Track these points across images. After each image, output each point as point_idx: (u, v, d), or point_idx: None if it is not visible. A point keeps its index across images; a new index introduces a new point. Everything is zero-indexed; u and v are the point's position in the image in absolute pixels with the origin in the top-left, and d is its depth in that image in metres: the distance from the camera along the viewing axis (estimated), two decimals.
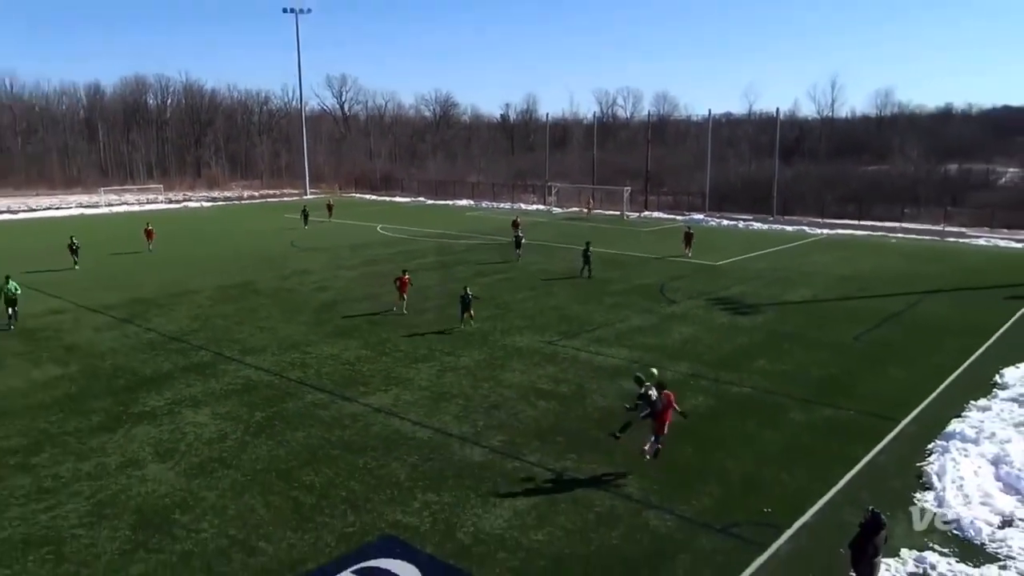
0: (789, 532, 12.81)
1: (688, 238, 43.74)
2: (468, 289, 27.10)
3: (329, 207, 64.54)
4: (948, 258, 44.05)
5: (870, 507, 10.73)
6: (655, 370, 16.88)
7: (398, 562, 12.04)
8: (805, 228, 57.33)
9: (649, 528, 13.07)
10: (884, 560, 11.09)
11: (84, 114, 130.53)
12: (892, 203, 64.34)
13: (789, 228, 57.69)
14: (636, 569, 11.81)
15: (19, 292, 27.73)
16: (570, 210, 72.04)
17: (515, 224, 49.65)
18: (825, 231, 56.10)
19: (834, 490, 14.38)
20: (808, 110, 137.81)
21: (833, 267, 40.08)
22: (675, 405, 15.27)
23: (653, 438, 15.15)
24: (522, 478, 15.05)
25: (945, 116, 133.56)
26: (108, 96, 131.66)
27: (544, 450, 16.37)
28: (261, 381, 21.33)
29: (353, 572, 11.79)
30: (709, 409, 18.87)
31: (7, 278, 27.46)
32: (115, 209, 78.89)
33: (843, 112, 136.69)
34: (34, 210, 76.58)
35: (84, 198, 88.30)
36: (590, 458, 15.92)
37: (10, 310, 27.28)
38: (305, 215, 59.05)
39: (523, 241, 43.42)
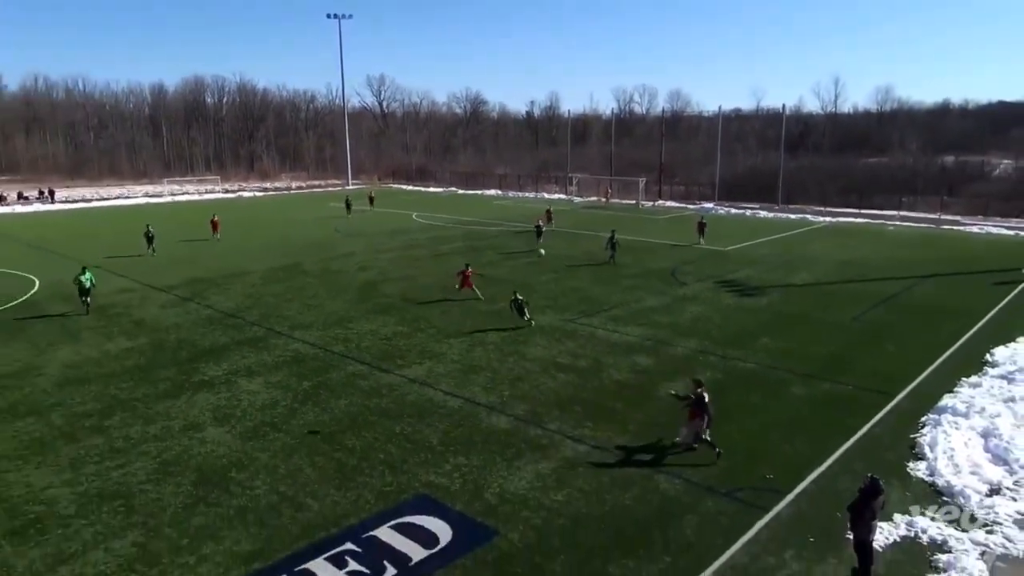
0: (789, 497, 12.73)
1: (701, 227, 42.53)
2: (517, 294, 24.44)
3: (371, 198, 64.59)
4: (943, 245, 43.10)
5: (869, 474, 10.63)
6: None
7: (431, 518, 12.16)
8: (808, 216, 56.36)
9: (659, 491, 13.06)
10: (880, 524, 10.99)
11: (149, 112, 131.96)
12: (891, 193, 63.00)
13: (793, 216, 56.75)
14: (647, 528, 11.82)
15: (93, 284, 27.06)
16: (589, 199, 71.54)
17: (548, 215, 48.67)
18: (827, 219, 55.11)
19: (832, 459, 14.23)
20: (812, 106, 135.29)
21: (834, 253, 39.41)
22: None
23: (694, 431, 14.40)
24: (543, 444, 15.08)
25: (943, 111, 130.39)
26: (170, 95, 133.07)
27: (563, 419, 16.38)
28: (308, 354, 21.54)
29: (391, 527, 11.93)
30: (716, 383, 18.66)
31: (83, 269, 27.22)
32: (177, 198, 79.80)
33: (846, 108, 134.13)
34: (105, 199, 77.82)
35: (150, 188, 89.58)
36: (606, 426, 15.90)
37: (85, 299, 26.63)
38: (348, 204, 59.27)
39: (543, 230, 41.43)
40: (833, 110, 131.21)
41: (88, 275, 26.83)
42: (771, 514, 12.14)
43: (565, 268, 34.76)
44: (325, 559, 11.04)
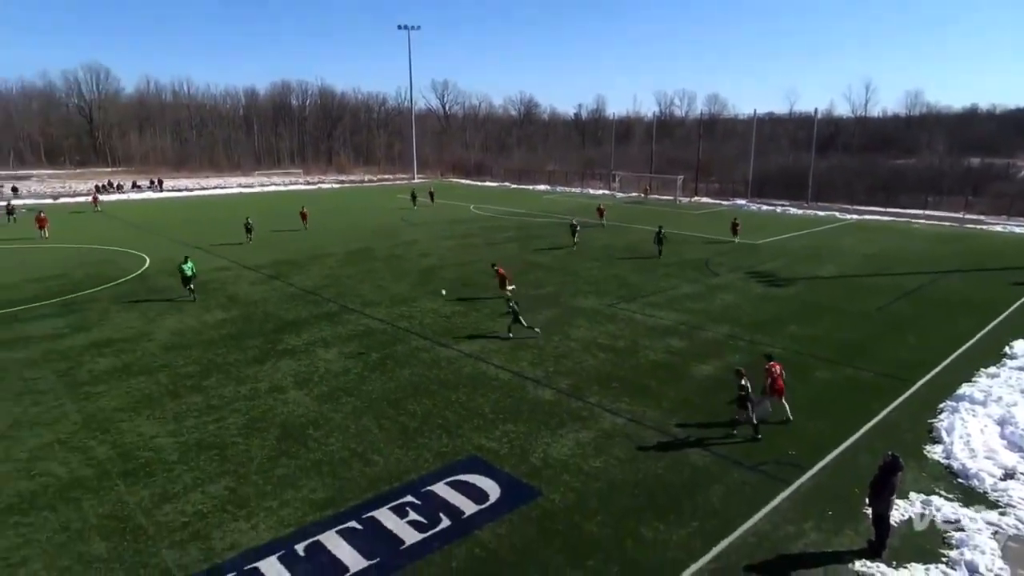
0: (811, 472, 12.43)
1: (735, 227, 39.89)
2: (512, 302, 20.92)
3: (431, 194, 63.64)
4: (967, 242, 41.03)
5: (890, 451, 10.30)
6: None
7: (482, 477, 12.30)
8: (836, 213, 54.34)
9: (689, 462, 12.90)
10: (896, 500, 10.65)
11: (243, 112, 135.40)
12: (917, 193, 60.13)
13: (822, 213, 54.78)
14: (677, 495, 11.72)
15: (195, 272, 26.02)
16: (631, 195, 70.48)
17: (600, 212, 47.15)
18: (854, 216, 53.01)
19: (852, 439, 13.82)
20: (843, 109, 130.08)
21: (860, 247, 37.96)
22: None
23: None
24: (584, 416, 15.05)
25: (970, 115, 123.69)
26: (261, 97, 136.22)
27: (602, 393, 16.30)
28: (376, 328, 21.92)
29: (446, 483, 12.11)
30: (745, 365, 18.19)
31: (185, 258, 26.39)
32: (265, 189, 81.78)
33: (875, 111, 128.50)
34: (205, 188, 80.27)
35: (242, 179, 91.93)
36: (641, 402, 15.76)
37: (190, 286, 25.66)
38: (414, 197, 59.56)
39: (578, 229, 37.55)
40: (863, 113, 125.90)
41: (190, 264, 25.93)
42: (793, 487, 11.89)
43: (607, 258, 34.41)
44: (389, 509, 11.29)
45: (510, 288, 24.38)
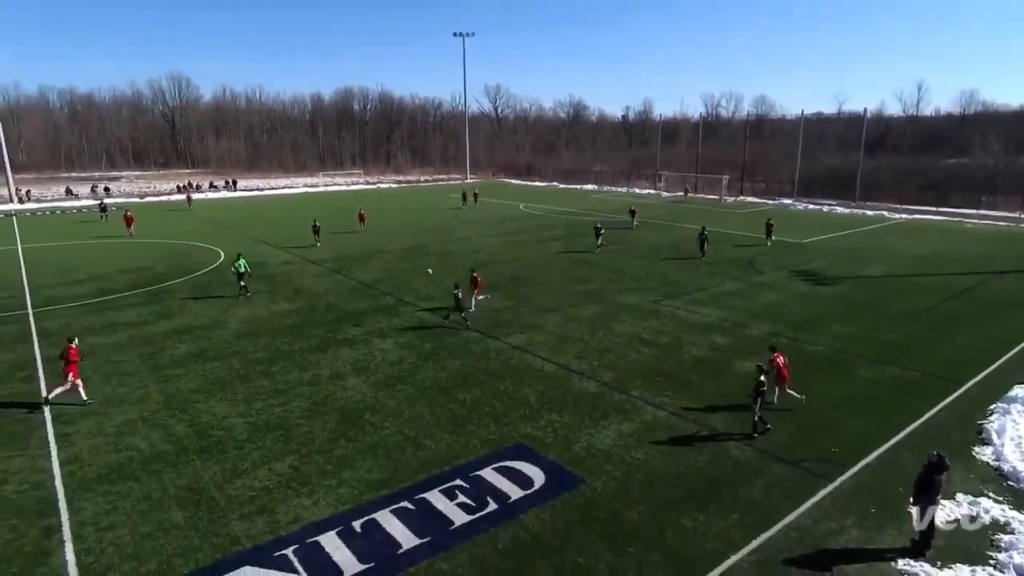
0: (854, 469, 11.99)
1: (769, 228, 37.28)
2: (457, 286, 21.18)
3: (475, 195, 61.08)
4: (1021, 242, 38.76)
5: (935, 451, 9.84)
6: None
7: (527, 464, 12.34)
8: (884, 213, 52.08)
9: (730, 456, 12.64)
10: (942, 500, 10.18)
11: (309, 117, 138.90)
12: (970, 192, 56.97)
13: (870, 212, 52.59)
14: (718, 487, 11.49)
15: (248, 270, 25.80)
16: (675, 194, 69.25)
17: (632, 213, 45.82)
18: (903, 216, 50.71)
19: (896, 438, 13.26)
20: (894, 109, 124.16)
21: (909, 248, 36.31)
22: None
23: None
24: (627, 408, 14.91)
25: None
26: (326, 103, 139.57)
27: (645, 387, 16.10)
28: (430, 321, 22.20)
29: (493, 468, 12.20)
30: (787, 363, 17.76)
31: (238, 255, 26.38)
32: (329, 188, 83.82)
33: (928, 111, 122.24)
34: (274, 188, 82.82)
35: (308, 180, 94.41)
36: (683, 396, 15.51)
37: (242, 283, 25.51)
38: (464, 196, 59.64)
39: (602, 232, 35.62)
40: (915, 113, 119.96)
41: (242, 261, 25.77)
42: (835, 483, 11.49)
43: (652, 255, 33.92)
44: (439, 491, 11.45)
45: (481, 297, 23.93)
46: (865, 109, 62.88)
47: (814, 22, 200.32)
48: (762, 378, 13.39)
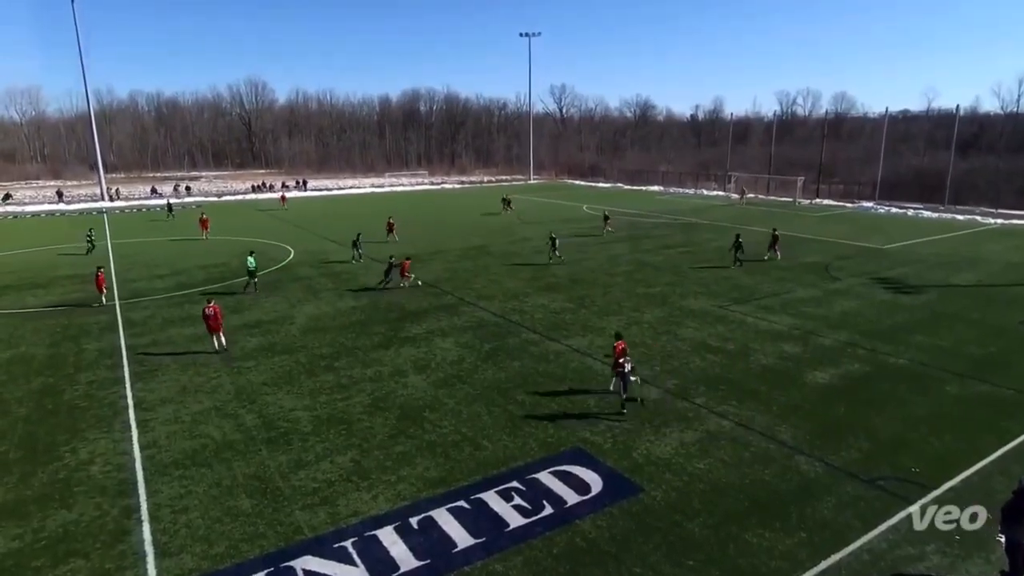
0: (936, 492, 11.27)
1: (774, 240, 32.86)
2: (391, 259, 23.17)
3: (507, 200, 56.15)
4: None
5: None
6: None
7: (584, 469, 12.24)
8: (977, 217, 48.74)
9: (799, 471, 12.13)
10: None
11: (377, 118, 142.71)
12: None
13: (960, 217, 49.35)
14: (785, 503, 11.06)
15: (256, 267, 26.88)
16: (747, 196, 67.17)
17: (605, 218, 42.60)
18: (999, 221, 47.33)
19: (986, 460, 12.37)
20: (991, 106, 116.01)
21: (1004, 255, 33.86)
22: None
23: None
24: (689, 416, 14.56)
25: None
26: (393, 104, 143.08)
27: (709, 395, 15.68)
28: (490, 321, 22.38)
29: (550, 472, 12.17)
30: (864, 375, 16.94)
31: (250, 252, 27.49)
32: (395, 188, 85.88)
33: None
34: (342, 188, 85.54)
35: (375, 180, 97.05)
36: (749, 405, 15.01)
37: (252, 280, 26.55)
38: (505, 202, 55.55)
39: (557, 242, 32.86)
40: (1015, 110, 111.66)
41: (251, 259, 26.72)
42: (915, 506, 10.82)
43: (719, 259, 33.01)
44: (495, 492, 11.51)
45: (410, 277, 27.27)
46: (957, 106, 59.05)
47: (900, 12, 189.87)
48: (620, 360, 14.44)
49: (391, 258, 27.62)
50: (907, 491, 11.32)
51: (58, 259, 35.46)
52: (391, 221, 41.07)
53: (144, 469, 12.55)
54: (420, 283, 27.71)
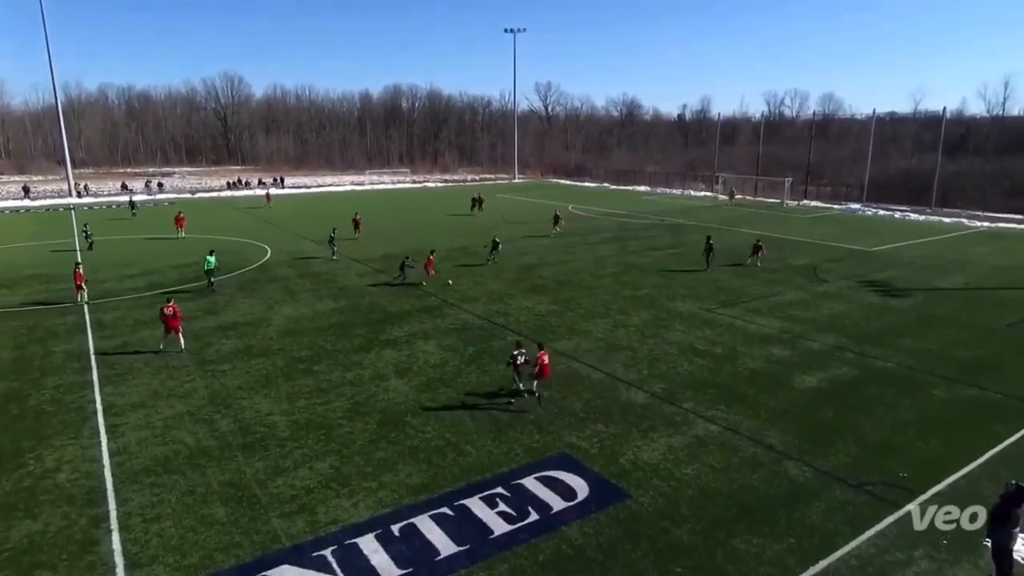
0: (924, 496, 11.44)
1: (756, 249, 32.14)
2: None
3: (479, 200, 55.91)
4: None
5: (1014, 480, 9.31)
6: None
7: (571, 475, 12.26)
8: (964, 220, 49.69)
9: (787, 476, 12.26)
10: (1023, 535, 9.64)
11: (357, 115, 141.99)
12: None
13: (947, 220, 50.29)
14: (773, 508, 11.17)
15: (217, 267, 27.02)
16: (736, 197, 67.77)
17: (556, 218, 42.65)
18: (985, 224, 48.29)
19: (973, 464, 12.60)
20: (976, 108, 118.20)
21: (991, 258, 34.53)
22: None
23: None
24: (677, 420, 14.65)
25: None
26: (374, 101, 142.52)
27: (697, 399, 15.79)
28: (474, 324, 22.35)
29: (535, 478, 12.17)
30: (852, 378, 17.18)
31: (211, 251, 27.40)
32: (376, 187, 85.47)
33: (1014, 110, 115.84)
34: (321, 186, 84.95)
35: (355, 178, 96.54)
36: (738, 410, 15.14)
37: (210, 279, 26.61)
38: (474, 202, 55.26)
39: (501, 247, 33.22)
40: (1000, 112, 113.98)
41: (211, 258, 26.77)
42: (903, 510, 10.99)
43: (714, 255, 33.21)
44: (480, 498, 11.49)
45: (434, 274, 27.44)
46: (944, 108, 60.18)
47: (887, 13, 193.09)
48: (515, 352, 15.44)
49: (406, 258, 27.91)
50: (895, 496, 11.48)
51: (24, 258, 34.83)
52: (357, 218, 41.27)
53: (114, 476, 12.34)
54: (450, 282, 27.78)
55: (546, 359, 15.34)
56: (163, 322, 19.29)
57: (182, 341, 19.36)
